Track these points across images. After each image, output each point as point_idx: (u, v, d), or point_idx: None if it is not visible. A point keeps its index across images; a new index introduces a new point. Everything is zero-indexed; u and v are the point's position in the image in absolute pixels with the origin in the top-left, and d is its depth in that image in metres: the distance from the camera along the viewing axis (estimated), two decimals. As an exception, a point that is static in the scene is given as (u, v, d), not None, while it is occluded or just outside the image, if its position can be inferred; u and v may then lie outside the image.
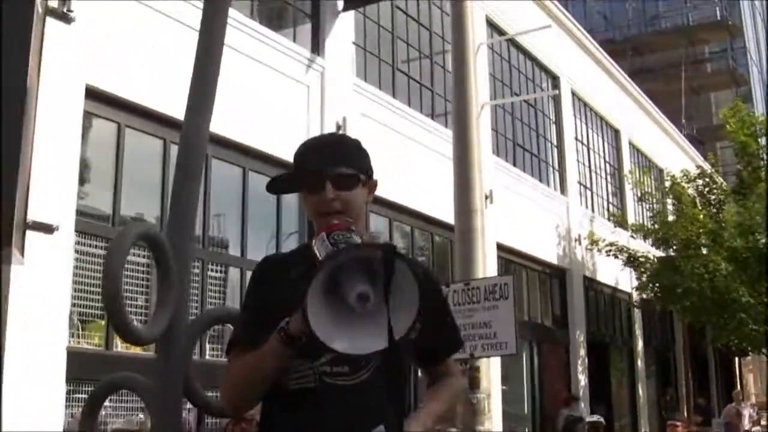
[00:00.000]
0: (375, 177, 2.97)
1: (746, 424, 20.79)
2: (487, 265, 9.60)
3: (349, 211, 2.80)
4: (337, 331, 2.39)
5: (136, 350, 9.92)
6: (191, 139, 3.19)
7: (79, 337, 10.40)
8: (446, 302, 3.10)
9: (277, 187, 3.00)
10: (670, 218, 24.53)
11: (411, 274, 2.41)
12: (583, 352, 22.91)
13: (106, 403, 10.34)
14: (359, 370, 2.68)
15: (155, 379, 2.96)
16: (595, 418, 13.62)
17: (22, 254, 9.14)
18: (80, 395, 9.87)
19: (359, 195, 2.85)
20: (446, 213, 9.60)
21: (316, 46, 14.68)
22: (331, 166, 2.81)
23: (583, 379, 22.66)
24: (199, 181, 3.14)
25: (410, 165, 16.13)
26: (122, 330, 2.73)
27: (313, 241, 2.61)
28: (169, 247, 2.94)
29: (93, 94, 10.54)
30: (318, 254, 2.53)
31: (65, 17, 10.02)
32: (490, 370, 8.40)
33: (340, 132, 14.28)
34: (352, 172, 2.84)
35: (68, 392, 9.82)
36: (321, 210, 2.79)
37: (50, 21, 9.83)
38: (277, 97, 13.44)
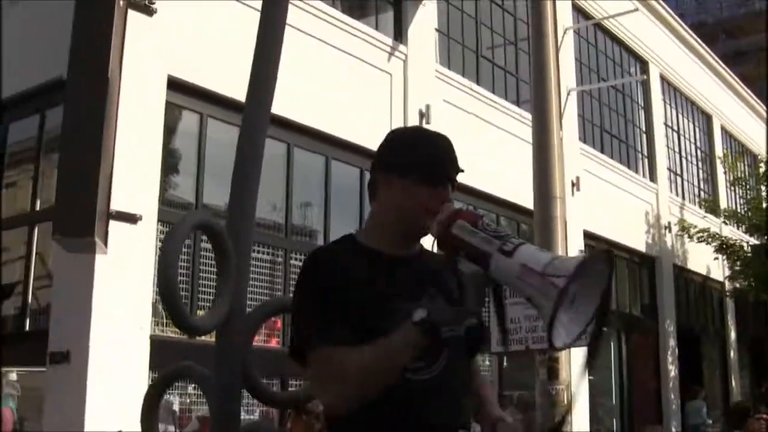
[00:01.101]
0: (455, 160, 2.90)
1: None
2: (570, 254, 9.43)
3: None
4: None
5: (219, 338, 9.95)
6: (251, 125, 3.15)
7: (163, 326, 10.51)
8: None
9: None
10: (765, 205, 23.88)
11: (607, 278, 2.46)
12: (672, 342, 22.46)
13: (191, 390, 10.52)
14: (433, 363, 2.64)
15: (213, 369, 2.92)
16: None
17: (106, 244, 9.26)
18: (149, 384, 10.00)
19: None
20: (531, 200, 9.48)
21: (399, 34, 14.61)
22: (455, 169, 2.79)
23: (673, 369, 22.23)
24: (259, 168, 3.09)
25: (495, 152, 15.97)
26: (177, 319, 2.70)
27: (452, 224, 2.53)
28: (227, 235, 2.89)
29: (175, 85, 10.64)
30: (463, 239, 2.49)
31: (147, 9, 10.14)
32: (571, 361, 8.24)
33: (424, 121, 14.23)
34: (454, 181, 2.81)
35: (152, 379, 9.94)
36: (433, 207, 2.66)
37: (132, 13, 9.93)
38: (360, 85, 13.40)
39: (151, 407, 3.15)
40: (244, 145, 3.12)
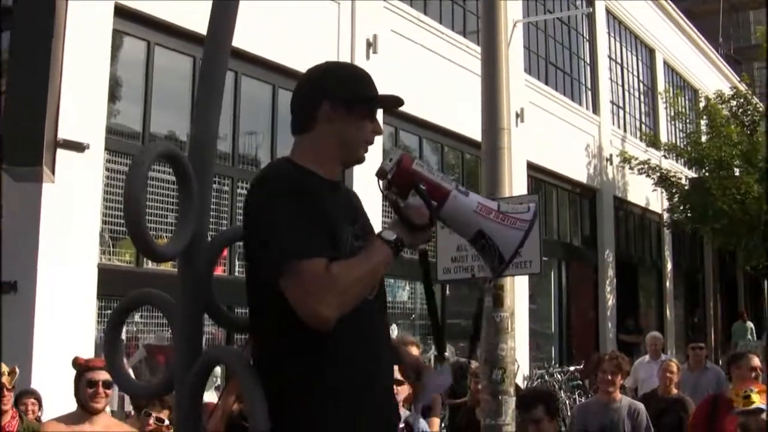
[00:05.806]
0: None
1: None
2: (515, 184, 9.56)
3: None
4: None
5: (166, 267, 9.96)
6: (212, 55, 3.18)
7: (110, 254, 10.52)
8: None
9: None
10: (704, 139, 24.25)
11: None
12: (611, 272, 22.90)
13: (138, 318, 10.56)
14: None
15: (176, 296, 2.99)
16: None
17: (53, 172, 9.22)
18: (111, 311, 10.01)
19: None
20: (477, 131, 9.56)
21: (347, -37, 14.51)
22: None
23: (611, 299, 22.69)
24: (220, 99, 3.13)
25: (441, 83, 16.02)
26: (142, 247, 2.75)
27: (412, 162, 2.79)
28: (190, 165, 2.95)
29: (122, 12, 10.52)
30: (424, 175, 2.76)
31: (92, -66, 9.96)
32: (515, 289, 8.41)
33: (371, 50, 14.20)
34: None
35: (100, 308, 9.98)
36: (371, 139, 2.92)
37: (77, -63, 9.76)
38: (308, 14, 13.31)
39: (114, 334, 3.22)
40: (205, 76, 3.16)
